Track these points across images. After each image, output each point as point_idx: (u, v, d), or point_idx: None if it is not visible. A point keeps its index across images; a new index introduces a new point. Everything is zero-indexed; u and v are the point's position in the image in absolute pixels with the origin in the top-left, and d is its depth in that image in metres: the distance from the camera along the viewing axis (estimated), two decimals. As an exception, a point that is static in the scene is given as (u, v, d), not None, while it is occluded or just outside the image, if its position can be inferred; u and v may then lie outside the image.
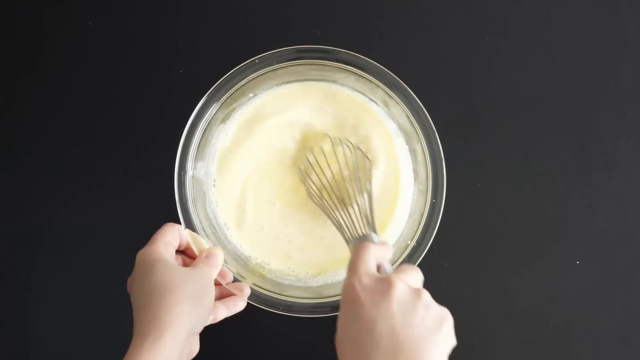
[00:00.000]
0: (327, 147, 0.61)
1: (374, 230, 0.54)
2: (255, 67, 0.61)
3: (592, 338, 0.65)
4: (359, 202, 0.57)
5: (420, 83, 0.65)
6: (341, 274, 0.62)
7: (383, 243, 0.51)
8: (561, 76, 0.67)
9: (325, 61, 0.61)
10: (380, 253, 0.50)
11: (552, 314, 0.65)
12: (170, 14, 0.68)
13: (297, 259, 0.62)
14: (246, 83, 0.61)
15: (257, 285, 0.59)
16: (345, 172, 0.60)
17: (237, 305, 0.58)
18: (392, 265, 0.60)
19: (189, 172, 0.60)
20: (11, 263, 0.66)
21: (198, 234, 0.59)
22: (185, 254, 0.57)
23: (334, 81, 0.63)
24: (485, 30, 0.68)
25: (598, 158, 0.66)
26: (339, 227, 0.56)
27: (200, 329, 0.51)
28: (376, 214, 0.57)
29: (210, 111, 0.60)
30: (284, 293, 0.60)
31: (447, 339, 0.46)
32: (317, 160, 0.61)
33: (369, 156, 0.61)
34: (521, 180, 0.66)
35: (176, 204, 0.59)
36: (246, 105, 0.63)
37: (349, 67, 0.61)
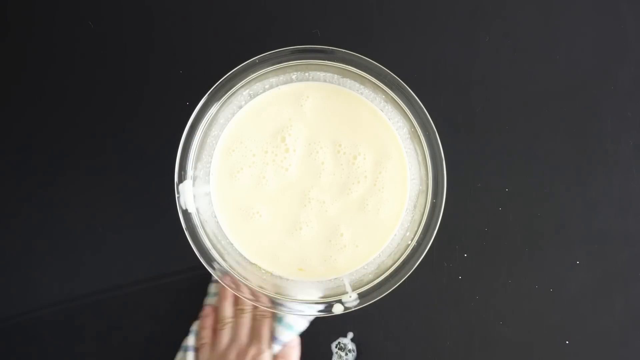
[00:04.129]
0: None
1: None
2: (255, 67, 0.61)
3: (592, 338, 0.65)
4: None
5: (420, 83, 0.65)
6: (342, 277, 0.62)
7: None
8: (561, 76, 0.67)
9: (325, 61, 0.61)
10: None
11: (552, 314, 0.65)
12: (169, 14, 0.68)
13: (300, 264, 0.62)
14: (246, 83, 0.61)
15: (257, 286, 0.59)
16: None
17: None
18: (394, 264, 0.60)
19: (189, 173, 0.60)
20: (7, 265, 0.66)
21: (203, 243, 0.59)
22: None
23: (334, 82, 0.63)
24: (485, 30, 0.68)
25: (598, 158, 0.66)
26: None
27: None
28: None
29: (210, 111, 0.60)
30: (283, 293, 0.60)
31: None
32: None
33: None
34: (521, 180, 0.66)
35: (177, 204, 0.59)
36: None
37: (349, 67, 0.61)
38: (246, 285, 0.59)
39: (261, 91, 0.63)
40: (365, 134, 0.63)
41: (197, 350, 0.62)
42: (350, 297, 0.59)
